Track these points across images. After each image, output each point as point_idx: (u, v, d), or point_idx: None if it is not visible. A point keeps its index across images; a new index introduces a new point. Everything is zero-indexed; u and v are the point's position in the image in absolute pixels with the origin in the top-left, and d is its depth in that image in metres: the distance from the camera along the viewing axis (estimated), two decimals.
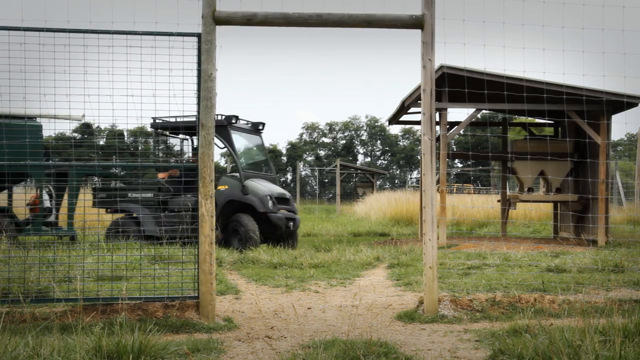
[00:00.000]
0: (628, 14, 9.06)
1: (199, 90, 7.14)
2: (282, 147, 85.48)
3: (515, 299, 7.69)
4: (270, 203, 14.60)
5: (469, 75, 14.45)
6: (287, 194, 15.42)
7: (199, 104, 7.14)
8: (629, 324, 5.64)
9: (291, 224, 15.00)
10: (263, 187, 14.88)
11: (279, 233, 14.82)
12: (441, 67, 14.67)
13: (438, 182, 15.54)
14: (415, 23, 7.25)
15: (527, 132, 18.90)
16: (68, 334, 5.76)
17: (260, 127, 16.40)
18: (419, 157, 46.89)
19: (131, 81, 6.91)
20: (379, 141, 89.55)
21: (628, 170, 33.55)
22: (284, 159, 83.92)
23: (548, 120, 18.74)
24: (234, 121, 15.12)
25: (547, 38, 8.55)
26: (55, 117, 12.53)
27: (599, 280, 9.19)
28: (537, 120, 20.13)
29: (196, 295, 7.16)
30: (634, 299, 7.61)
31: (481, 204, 23.98)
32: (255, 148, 16.57)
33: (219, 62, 7.08)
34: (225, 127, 14.93)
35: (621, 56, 8.91)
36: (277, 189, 15.29)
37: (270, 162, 16.71)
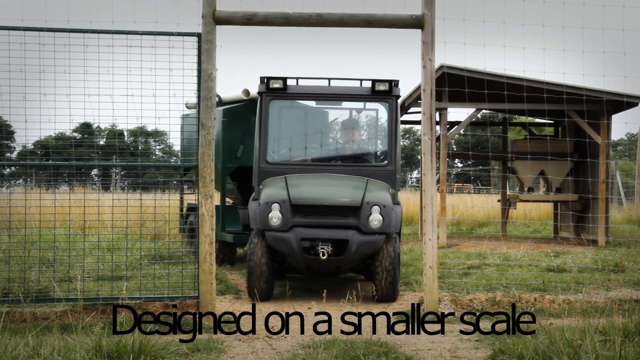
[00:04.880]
0: (628, 14, 9.09)
1: (199, 90, 7.15)
2: None
3: (516, 299, 7.70)
4: (275, 215, 8.49)
5: (469, 75, 14.43)
6: (354, 201, 8.61)
7: (199, 103, 7.15)
8: (629, 324, 5.64)
9: (324, 250, 8.39)
10: (280, 189, 8.81)
11: (301, 266, 8.82)
12: (441, 66, 14.65)
13: (438, 181, 15.54)
14: (416, 23, 7.25)
15: (527, 132, 18.88)
16: (68, 333, 5.76)
17: (383, 87, 9.64)
18: (419, 157, 46.82)
19: (131, 81, 6.93)
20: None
21: (628, 170, 33.54)
22: None
23: (548, 120, 18.73)
24: (275, 85, 9.45)
25: (547, 38, 8.57)
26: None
27: (599, 280, 9.20)
28: (537, 120, 20.12)
29: (196, 294, 7.17)
30: (634, 299, 7.62)
31: (481, 204, 23.96)
32: (348, 126, 10.62)
33: (219, 62, 7.10)
34: (261, 97, 9.54)
35: (621, 56, 8.94)
36: (335, 193, 8.83)
37: (388, 147, 9.86)
